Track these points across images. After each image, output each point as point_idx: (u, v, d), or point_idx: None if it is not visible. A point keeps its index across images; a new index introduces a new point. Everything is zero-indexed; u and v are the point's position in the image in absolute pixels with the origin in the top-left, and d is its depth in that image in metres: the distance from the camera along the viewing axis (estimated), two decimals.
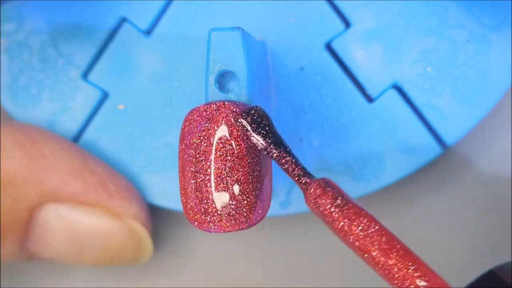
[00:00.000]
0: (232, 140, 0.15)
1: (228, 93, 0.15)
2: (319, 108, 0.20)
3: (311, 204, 0.14)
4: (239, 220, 0.15)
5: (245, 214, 0.15)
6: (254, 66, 0.16)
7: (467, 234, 0.21)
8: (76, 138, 0.20)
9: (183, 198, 0.15)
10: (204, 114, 0.15)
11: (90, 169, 0.19)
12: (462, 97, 0.19)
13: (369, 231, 0.13)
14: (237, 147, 0.15)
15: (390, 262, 0.13)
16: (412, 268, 0.13)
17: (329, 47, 0.20)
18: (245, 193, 0.15)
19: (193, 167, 0.15)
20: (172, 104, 0.20)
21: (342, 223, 0.13)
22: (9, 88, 0.20)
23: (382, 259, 0.13)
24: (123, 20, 0.20)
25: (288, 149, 0.14)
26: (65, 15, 0.20)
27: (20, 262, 0.21)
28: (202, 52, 0.19)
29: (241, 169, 0.15)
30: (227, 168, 0.14)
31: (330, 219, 0.14)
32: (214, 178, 0.14)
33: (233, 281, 0.22)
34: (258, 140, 0.14)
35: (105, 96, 0.20)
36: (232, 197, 0.14)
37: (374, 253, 0.13)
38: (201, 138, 0.15)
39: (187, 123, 0.15)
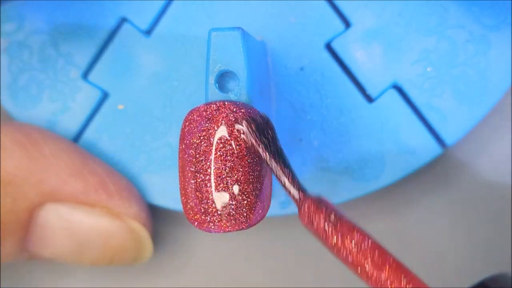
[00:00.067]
0: (232, 140, 0.15)
1: (228, 93, 0.15)
2: (319, 108, 0.20)
3: (305, 221, 0.14)
4: (239, 220, 0.15)
5: (245, 214, 0.15)
6: (254, 66, 0.16)
7: (467, 234, 0.21)
8: (76, 138, 0.20)
9: (183, 198, 0.15)
10: (204, 114, 0.15)
11: (90, 169, 0.19)
12: (462, 97, 0.19)
13: (362, 246, 0.14)
14: (237, 147, 0.15)
15: (383, 276, 0.14)
16: (405, 280, 0.14)
17: (329, 47, 0.20)
18: (245, 193, 0.15)
19: (193, 167, 0.15)
20: (172, 104, 0.20)
21: (335, 239, 0.14)
22: (9, 88, 0.20)
23: (375, 272, 0.14)
24: (123, 20, 0.20)
25: (287, 163, 0.15)
26: (65, 15, 0.20)
27: (20, 262, 0.21)
28: (202, 52, 0.19)
29: (241, 169, 0.15)
30: (227, 168, 0.14)
31: (324, 236, 0.14)
32: (214, 178, 0.14)
33: (233, 281, 0.22)
34: (258, 148, 0.14)
35: (105, 96, 0.20)
36: (232, 197, 0.14)
37: (367, 267, 0.14)
38: (201, 138, 0.15)
39: (187, 123, 0.15)
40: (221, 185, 0.14)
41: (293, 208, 0.20)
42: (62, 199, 0.18)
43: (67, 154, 0.19)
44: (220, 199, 0.14)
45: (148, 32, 0.20)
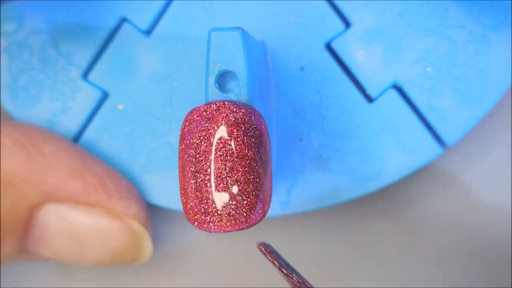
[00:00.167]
0: (232, 140, 0.15)
1: (228, 93, 0.15)
2: (319, 108, 0.20)
3: None
4: (239, 220, 0.15)
5: (245, 214, 0.15)
6: (254, 66, 0.16)
7: (467, 234, 0.21)
8: (76, 138, 0.20)
9: (183, 198, 0.15)
10: (204, 114, 0.15)
11: (90, 169, 0.19)
12: (462, 97, 0.19)
13: None
14: (237, 147, 0.15)
15: None
16: None
17: (329, 47, 0.20)
18: (245, 193, 0.15)
19: (193, 167, 0.15)
20: (172, 104, 0.20)
21: None
22: (9, 88, 0.20)
23: None
24: (123, 20, 0.20)
25: (302, 277, 0.15)
26: (65, 15, 0.20)
27: (20, 262, 0.21)
28: (202, 52, 0.19)
29: (241, 169, 0.15)
30: (227, 168, 0.14)
31: None
32: (214, 178, 0.14)
33: (233, 281, 0.22)
34: (285, 271, 0.15)
35: (105, 96, 0.20)
36: (232, 197, 0.14)
37: None
38: (201, 138, 0.15)
39: (187, 123, 0.15)
40: (221, 185, 0.14)
41: (293, 208, 0.20)
42: (62, 199, 0.18)
43: (67, 154, 0.19)
44: (220, 199, 0.14)
45: (148, 32, 0.20)
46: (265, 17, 0.19)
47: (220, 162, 0.14)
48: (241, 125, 0.15)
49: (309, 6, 0.19)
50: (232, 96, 0.15)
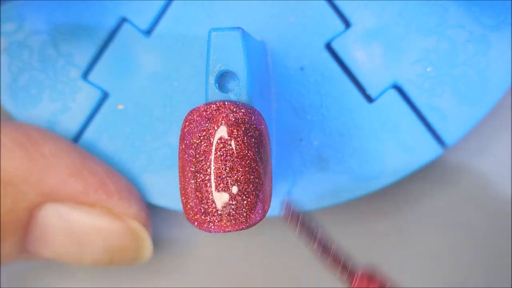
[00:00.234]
0: (232, 140, 0.15)
1: (228, 93, 0.15)
2: (319, 108, 0.20)
3: None
4: (239, 220, 0.15)
5: (245, 214, 0.15)
6: (254, 66, 0.16)
7: (467, 234, 0.21)
8: (76, 138, 0.20)
9: (183, 198, 0.15)
10: (204, 114, 0.15)
11: (90, 169, 0.19)
12: (462, 97, 0.19)
13: None
14: (237, 147, 0.15)
15: None
16: None
17: (329, 47, 0.20)
18: (245, 193, 0.15)
19: (193, 167, 0.15)
20: (172, 104, 0.20)
21: None
22: (9, 88, 0.20)
23: None
24: (123, 20, 0.20)
25: (328, 242, 0.15)
26: (65, 15, 0.20)
27: (20, 262, 0.21)
28: (202, 52, 0.19)
29: (241, 169, 0.15)
30: (227, 168, 0.14)
31: None
32: (214, 178, 0.14)
33: (233, 281, 0.22)
34: (309, 237, 0.14)
35: (105, 96, 0.20)
36: (232, 197, 0.14)
37: None
38: (201, 138, 0.15)
39: (187, 123, 0.15)
40: (221, 185, 0.14)
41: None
42: (62, 199, 0.18)
43: (67, 154, 0.19)
44: (220, 199, 0.14)
45: (148, 32, 0.20)
46: (265, 17, 0.19)
47: (220, 162, 0.14)
48: (241, 125, 0.15)
49: (309, 6, 0.19)
50: (232, 96, 0.15)
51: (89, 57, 0.20)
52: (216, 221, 0.15)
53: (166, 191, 0.20)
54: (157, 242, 0.21)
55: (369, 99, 0.20)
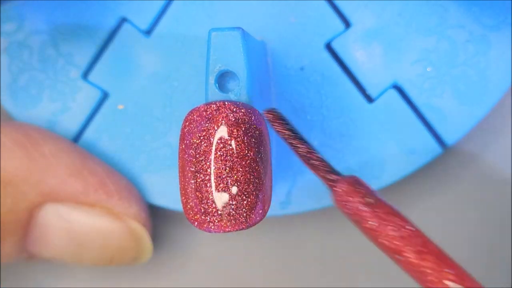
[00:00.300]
0: (232, 140, 0.15)
1: (228, 93, 0.15)
2: (319, 108, 0.20)
3: (339, 202, 0.13)
4: (239, 220, 0.15)
5: (245, 214, 0.15)
6: (254, 66, 0.16)
7: (467, 234, 0.21)
8: (76, 138, 0.20)
9: (183, 198, 0.15)
10: (204, 114, 0.15)
11: (90, 169, 0.19)
12: (462, 97, 0.19)
13: (402, 232, 0.13)
14: (237, 147, 0.15)
15: (424, 264, 0.13)
16: (448, 270, 0.13)
17: (329, 47, 0.20)
18: (245, 193, 0.15)
19: (193, 167, 0.15)
20: (172, 104, 0.20)
21: (372, 223, 0.13)
22: (9, 88, 0.20)
23: (415, 260, 0.13)
24: (123, 20, 0.20)
25: (312, 146, 0.14)
26: (65, 15, 0.20)
27: (20, 262, 0.21)
28: (202, 52, 0.19)
29: (241, 169, 0.15)
30: (227, 168, 0.14)
31: (360, 218, 0.13)
32: (214, 178, 0.14)
33: (233, 281, 0.22)
34: (285, 132, 0.14)
35: (105, 96, 0.20)
36: (232, 197, 0.14)
37: (407, 254, 0.13)
38: (201, 138, 0.15)
39: (187, 123, 0.15)
40: (221, 185, 0.14)
41: (293, 208, 0.20)
42: (62, 199, 0.18)
43: (67, 154, 0.19)
44: (220, 199, 0.14)
45: (148, 32, 0.20)
46: (265, 17, 0.19)
47: (220, 162, 0.14)
48: (241, 125, 0.15)
49: (309, 6, 0.19)
50: (232, 96, 0.15)
51: (89, 57, 0.20)
52: (216, 221, 0.15)
53: (166, 191, 0.20)
54: (157, 242, 0.21)
55: (369, 99, 0.20)
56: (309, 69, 0.19)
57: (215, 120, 0.15)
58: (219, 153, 0.15)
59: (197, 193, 0.15)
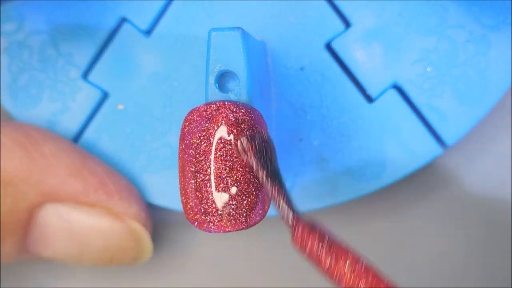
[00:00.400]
0: (232, 140, 0.15)
1: (228, 93, 0.15)
2: (319, 108, 0.20)
3: (298, 245, 0.14)
4: (239, 220, 0.15)
5: (245, 214, 0.15)
6: (254, 66, 0.16)
7: (467, 234, 0.21)
8: (76, 138, 0.20)
9: (183, 198, 0.15)
10: (204, 114, 0.15)
11: (90, 169, 0.19)
12: (462, 97, 0.19)
13: (356, 269, 0.14)
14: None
15: None
16: None
17: (329, 47, 0.20)
18: (245, 193, 0.15)
19: (193, 167, 0.15)
20: (172, 104, 0.20)
21: (328, 263, 0.14)
22: (9, 88, 0.20)
23: None
24: (123, 20, 0.20)
25: (282, 185, 0.14)
26: (65, 15, 0.20)
27: (20, 262, 0.21)
28: (202, 52, 0.19)
29: (241, 169, 0.15)
30: (227, 168, 0.14)
31: (317, 260, 0.14)
32: (214, 178, 0.14)
33: (233, 281, 0.22)
34: (255, 167, 0.14)
35: (105, 96, 0.20)
36: (232, 197, 0.14)
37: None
38: (201, 138, 0.15)
39: (187, 123, 0.15)
40: (221, 185, 0.14)
41: None
42: (62, 199, 0.18)
43: (67, 154, 0.19)
44: (220, 199, 0.14)
45: (148, 32, 0.20)
46: (265, 17, 0.19)
47: (220, 162, 0.14)
48: (241, 125, 0.15)
49: (309, 6, 0.19)
50: (232, 96, 0.15)
51: (89, 57, 0.20)
52: (216, 221, 0.15)
53: (166, 191, 0.20)
54: (157, 242, 0.21)
55: (369, 99, 0.20)
56: (309, 69, 0.19)
57: (215, 120, 0.15)
58: (219, 153, 0.15)
59: (197, 193, 0.15)
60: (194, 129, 0.15)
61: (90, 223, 0.19)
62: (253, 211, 0.15)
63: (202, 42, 0.19)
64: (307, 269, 0.22)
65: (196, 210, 0.15)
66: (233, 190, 0.14)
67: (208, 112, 0.15)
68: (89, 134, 0.20)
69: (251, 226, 0.15)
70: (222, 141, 0.15)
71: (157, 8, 0.20)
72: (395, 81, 0.19)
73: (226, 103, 0.15)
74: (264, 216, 0.15)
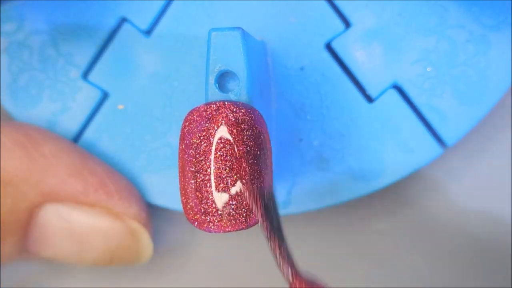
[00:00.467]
0: (232, 140, 0.15)
1: (228, 93, 0.15)
2: (319, 108, 0.20)
3: None
4: (239, 220, 0.15)
5: (245, 214, 0.15)
6: (254, 66, 0.16)
7: (467, 234, 0.21)
8: (76, 138, 0.20)
9: (183, 198, 0.15)
10: (204, 114, 0.15)
11: (90, 169, 0.19)
12: (462, 97, 0.19)
13: None
14: (237, 147, 0.15)
15: None
16: None
17: (329, 47, 0.20)
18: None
19: (193, 167, 0.15)
20: (172, 104, 0.20)
21: None
22: (9, 88, 0.20)
23: None
24: (123, 20, 0.20)
25: (284, 240, 0.14)
26: (65, 15, 0.20)
27: (20, 262, 0.21)
28: (202, 52, 0.19)
29: (241, 169, 0.15)
30: (227, 168, 0.14)
31: None
32: (214, 178, 0.14)
33: (233, 281, 0.22)
34: (263, 223, 0.14)
35: (105, 96, 0.20)
36: (232, 197, 0.14)
37: None
38: (201, 138, 0.15)
39: (187, 123, 0.15)
40: (221, 185, 0.14)
41: (293, 208, 0.20)
42: (62, 199, 0.18)
43: (67, 154, 0.19)
44: (220, 199, 0.14)
45: (148, 32, 0.20)
46: (265, 17, 0.19)
47: (220, 162, 0.14)
48: (241, 125, 0.15)
49: (309, 6, 0.19)
50: (232, 96, 0.15)
51: (89, 57, 0.20)
52: (216, 221, 0.15)
53: (166, 191, 0.20)
54: (157, 242, 0.21)
55: (369, 99, 0.20)
56: (309, 69, 0.19)
57: (215, 120, 0.15)
58: (219, 153, 0.15)
59: (197, 193, 0.15)
60: (194, 129, 0.15)
61: (90, 223, 0.19)
62: (253, 211, 0.15)
63: (202, 42, 0.19)
64: (307, 269, 0.22)
65: (196, 210, 0.15)
66: (233, 190, 0.14)
67: (208, 112, 0.15)
68: (89, 134, 0.20)
69: (251, 226, 0.15)
70: (222, 141, 0.15)
71: (157, 8, 0.20)
72: (395, 81, 0.19)
73: (226, 103, 0.15)
74: None
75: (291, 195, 0.20)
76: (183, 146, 0.15)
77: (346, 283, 0.22)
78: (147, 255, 0.20)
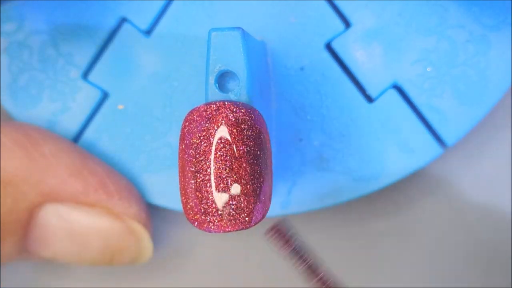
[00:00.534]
0: (232, 140, 0.15)
1: (228, 93, 0.15)
2: (319, 108, 0.20)
3: None
4: (239, 220, 0.15)
5: (245, 214, 0.15)
6: (254, 66, 0.16)
7: (467, 234, 0.21)
8: (76, 138, 0.20)
9: (183, 198, 0.15)
10: (204, 114, 0.15)
11: (90, 169, 0.19)
12: (462, 97, 0.19)
13: None
14: (237, 147, 0.15)
15: None
16: None
17: (329, 47, 0.20)
18: (245, 193, 0.15)
19: (193, 167, 0.15)
20: (172, 104, 0.20)
21: None
22: (9, 88, 0.20)
23: None
24: (123, 20, 0.20)
25: (318, 264, 0.15)
26: (65, 15, 0.20)
27: (20, 262, 0.21)
28: (202, 52, 0.19)
29: (241, 169, 0.15)
30: (227, 168, 0.14)
31: None
32: (214, 178, 0.14)
33: (233, 281, 0.22)
34: (298, 254, 0.14)
35: (105, 96, 0.20)
36: (232, 197, 0.14)
37: None
38: (201, 138, 0.15)
39: (187, 123, 0.15)
40: (221, 185, 0.14)
41: (293, 208, 0.20)
42: (62, 199, 0.18)
43: (67, 154, 0.19)
44: (220, 199, 0.14)
45: (148, 32, 0.20)
46: (265, 17, 0.19)
47: (220, 162, 0.14)
48: (241, 125, 0.15)
49: (309, 6, 0.19)
50: (232, 96, 0.15)
51: (89, 57, 0.20)
52: (216, 221, 0.15)
53: (166, 191, 0.20)
54: (157, 242, 0.21)
55: (369, 99, 0.20)
56: (309, 69, 0.19)
57: (215, 120, 0.15)
58: (219, 153, 0.15)
59: (197, 193, 0.15)
60: (194, 129, 0.15)
61: (90, 223, 0.19)
62: (253, 211, 0.15)
63: (202, 42, 0.19)
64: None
65: (196, 210, 0.15)
66: (233, 190, 0.14)
67: (208, 112, 0.15)
68: (89, 134, 0.20)
69: (251, 226, 0.15)
70: (222, 141, 0.15)
71: (157, 8, 0.20)
72: (395, 81, 0.19)
73: (226, 103, 0.15)
74: (264, 216, 0.15)
75: (291, 195, 0.20)
76: (183, 146, 0.15)
77: (346, 283, 0.22)
78: (147, 255, 0.20)
